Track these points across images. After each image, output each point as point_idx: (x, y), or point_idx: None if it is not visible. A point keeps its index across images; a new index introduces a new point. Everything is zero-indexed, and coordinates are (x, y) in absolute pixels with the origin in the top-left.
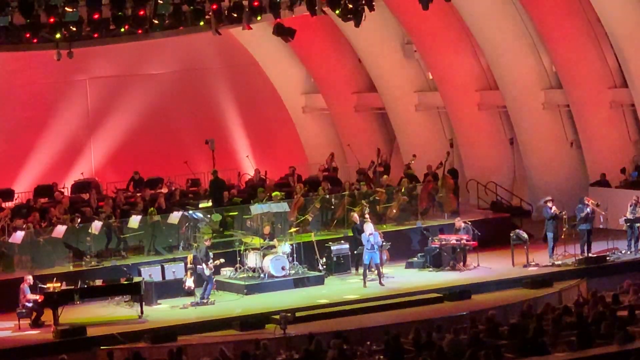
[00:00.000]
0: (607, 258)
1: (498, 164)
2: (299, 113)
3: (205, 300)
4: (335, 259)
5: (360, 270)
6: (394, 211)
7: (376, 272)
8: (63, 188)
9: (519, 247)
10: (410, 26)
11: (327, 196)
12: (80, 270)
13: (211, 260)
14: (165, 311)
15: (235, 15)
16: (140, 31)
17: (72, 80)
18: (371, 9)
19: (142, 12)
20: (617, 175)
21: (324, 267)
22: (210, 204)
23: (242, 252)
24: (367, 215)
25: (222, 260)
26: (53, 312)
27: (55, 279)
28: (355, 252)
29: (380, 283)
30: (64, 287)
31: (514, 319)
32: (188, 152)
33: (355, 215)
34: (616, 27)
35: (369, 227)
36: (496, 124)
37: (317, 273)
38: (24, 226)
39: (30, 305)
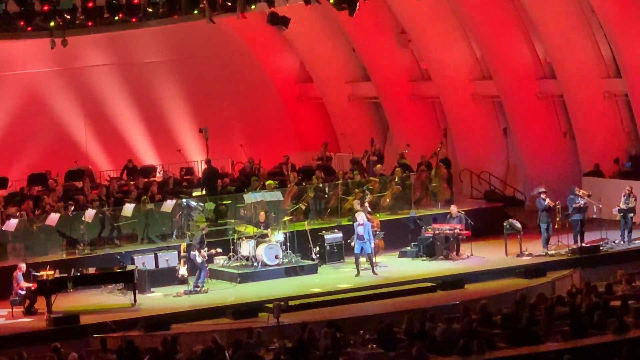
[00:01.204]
0: (601, 248)
1: (491, 153)
2: (293, 102)
3: (198, 289)
4: (328, 247)
5: (362, 259)
6: (388, 200)
7: (364, 259)
8: (57, 176)
9: (513, 236)
10: (404, 15)
11: (321, 185)
12: (73, 258)
13: (205, 248)
14: (158, 299)
15: (229, 4)
16: (134, 19)
17: (66, 69)
18: None
19: (136, 1)
20: (611, 166)
21: (317, 256)
22: (203, 192)
23: (235, 240)
24: (366, 204)
25: (219, 249)
26: (46, 300)
27: (48, 266)
28: (349, 241)
29: (373, 272)
30: (57, 275)
31: (507, 309)
32: (182, 141)
33: (357, 203)
34: (610, 16)
35: (359, 217)
36: (490, 114)
37: (310, 262)
38: (18, 214)
39: (23, 293)
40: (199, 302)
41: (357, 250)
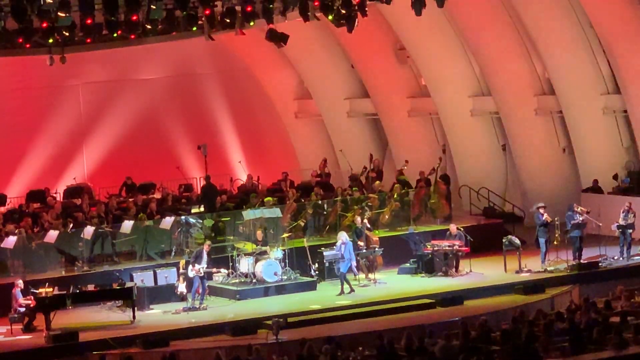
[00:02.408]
0: (600, 264)
1: (491, 170)
2: (292, 118)
3: (197, 306)
4: (327, 264)
5: (360, 275)
6: (387, 217)
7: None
8: (55, 193)
9: (512, 253)
10: (403, 32)
11: (320, 202)
12: (72, 275)
13: (204, 265)
14: (157, 316)
15: (228, 20)
16: (133, 36)
17: (64, 86)
18: (364, 14)
19: (134, 17)
20: (610, 182)
21: (316, 272)
22: (202, 209)
23: (234, 257)
24: (365, 220)
25: (223, 270)
26: (45, 317)
27: (47, 283)
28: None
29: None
30: (56, 292)
31: (506, 325)
32: (180, 158)
33: (358, 219)
34: (608, 32)
35: (342, 236)
36: (489, 130)
37: (309, 279)
38: (16, 231)
39: (22, 310)
40: (197, 319)
41: (345, 269)
